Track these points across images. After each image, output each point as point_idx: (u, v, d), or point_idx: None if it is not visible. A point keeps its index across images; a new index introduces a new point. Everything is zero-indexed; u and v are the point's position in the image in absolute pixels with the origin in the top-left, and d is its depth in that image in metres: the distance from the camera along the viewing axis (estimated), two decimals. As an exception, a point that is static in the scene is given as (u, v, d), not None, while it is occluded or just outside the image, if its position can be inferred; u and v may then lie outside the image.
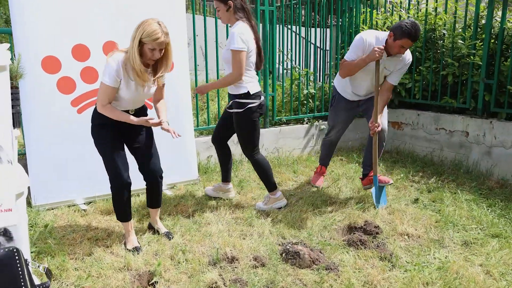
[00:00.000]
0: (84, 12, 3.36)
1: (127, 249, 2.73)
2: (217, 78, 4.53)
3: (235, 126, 3.30)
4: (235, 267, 2.52)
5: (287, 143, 5.00)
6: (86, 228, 3.03)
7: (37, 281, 1.65)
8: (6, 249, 1.32)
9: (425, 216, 3.24)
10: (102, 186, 3.20)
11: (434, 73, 4.76)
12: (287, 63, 5.87)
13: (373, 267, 2.53)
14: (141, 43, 2.39)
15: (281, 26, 5.84)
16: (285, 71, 5.89)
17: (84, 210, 3.39)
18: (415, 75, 4.96)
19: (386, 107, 3.51)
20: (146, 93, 2.63)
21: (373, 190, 3.48)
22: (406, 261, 2.60)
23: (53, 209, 3.39)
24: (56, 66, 3.33)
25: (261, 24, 4.56)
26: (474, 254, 2.68)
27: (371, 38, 3.25)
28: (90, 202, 3.54)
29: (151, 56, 2.44)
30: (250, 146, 3.32)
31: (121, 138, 2.73)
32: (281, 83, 5.28)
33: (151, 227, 3.04)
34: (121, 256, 2.63)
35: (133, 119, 2.55)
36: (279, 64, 5.91)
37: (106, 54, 3.39)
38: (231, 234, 2.95)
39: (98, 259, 2.59)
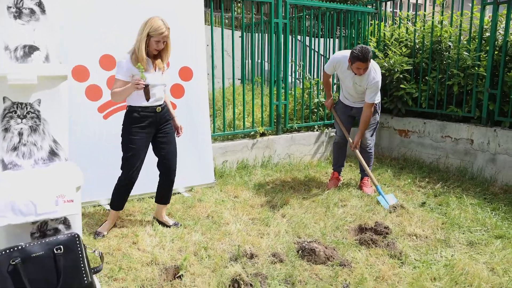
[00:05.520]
0: (111, 24, 3.60)
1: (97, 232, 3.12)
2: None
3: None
4: (255, 263, 2.71)
5: (299, 149, 5.19)
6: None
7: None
8: (69, 234, 1.52)
9: (432, 219, 3.42)
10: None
11: (440, 83, 4.96)
12: (299, 73, 6.09)
13: (383, 264, 2.71)
14: (148, 36, 2.82)
15: (293, 37, 6.07)
16: (297, 81, 6.11)
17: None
18: (422, 85, 5.15)
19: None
20: (158, 79, 2.98)
21: (379, 197, 3.74)
22: (414, 259, 2.78)
23: (80, 209, 3.59)
24: (85, 74, 3.56)
25: (275, 36, 4.79)
26: (478, 253, 2.85)
27: (338, 56, 4.01)
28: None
29: (156, 47, 2.88)
30: None
31: (149, 137, 3.06)
32: (293, 92, 5.50)
33: (159, 221, 3.33)
34: (148, 252, 2.82)
35: (129, 87, 2.83)
36: (291, 74, 6.13)
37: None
38: (249, 233, 3.14)
39: (127, 254, 2.78)
